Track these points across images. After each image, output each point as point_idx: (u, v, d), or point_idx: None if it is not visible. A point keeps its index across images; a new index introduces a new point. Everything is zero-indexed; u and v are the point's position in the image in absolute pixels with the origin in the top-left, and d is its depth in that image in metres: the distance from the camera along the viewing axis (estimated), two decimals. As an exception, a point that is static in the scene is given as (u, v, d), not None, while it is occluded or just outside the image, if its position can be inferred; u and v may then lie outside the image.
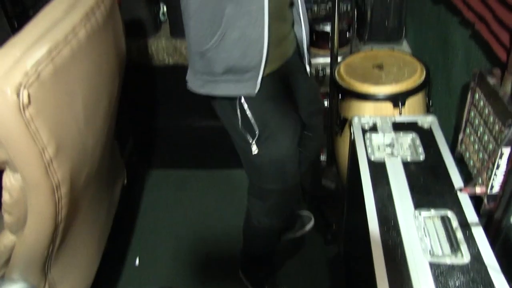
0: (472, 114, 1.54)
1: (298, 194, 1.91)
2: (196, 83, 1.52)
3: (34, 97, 1.11)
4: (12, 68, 1.09)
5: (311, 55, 1.92)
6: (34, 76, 1.11)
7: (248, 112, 1.49)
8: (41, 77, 1.14)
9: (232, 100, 1.50)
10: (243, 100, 1.48)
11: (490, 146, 1.39)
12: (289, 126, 1.61)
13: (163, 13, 2.72)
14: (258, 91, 1.47)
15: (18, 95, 1.06)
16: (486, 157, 1.43)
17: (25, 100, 1.08)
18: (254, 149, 1.55)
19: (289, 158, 1.63)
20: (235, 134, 1.60)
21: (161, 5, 2.71)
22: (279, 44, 1.56)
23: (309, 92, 1.87)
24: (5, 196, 1.30)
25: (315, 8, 2.60)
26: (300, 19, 1.64)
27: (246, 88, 1.46)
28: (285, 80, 1.69)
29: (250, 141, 1.54)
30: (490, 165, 1.30)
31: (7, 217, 1.36)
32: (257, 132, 1.52)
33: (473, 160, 1.53)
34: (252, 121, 1.50)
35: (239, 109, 1.49)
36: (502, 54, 1.40)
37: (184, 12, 1.41)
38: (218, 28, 1.37)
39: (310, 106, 1.88)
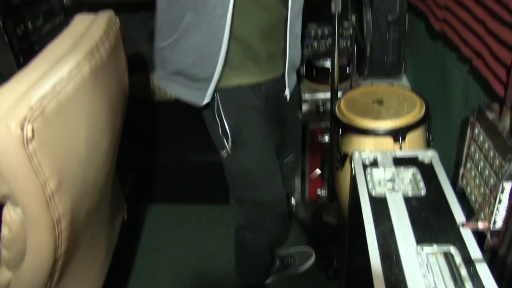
0: (472, 148, 1.54)
1: (282, 212, 1.91)
2: (156, 75, 1.58)
3: (38, 131, 1.12)
4: (17, 102, 1.10)
5: (304, 86, 1.96)
6: (38, 110, 1.13)
7: (225, 119, 1.52)
8: (45, 111, 1.15)
9: (212, 107, 1.54)
10: (221, 107, 1.52)
11: (491, 181, 1.40)
12: (262, 139, 1.64)
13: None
14: (237, 99, 1.51)
15: (22, 129, 1.07)
16: (487, 192, 1.43)
17: (29, 134, 1.09)
18: (226, 154, 1.59)
19: (260, 170, 1.66)
20: (216, 141, 1.64)
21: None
22: (258, 59, 1.58)
23: (290, 132, 1.89)
24: (4, 231, 1.29)
25: (315, 44, 2.64)
26: (288, 39, 1.65)
27: (194, 96, 1.50)
28: (272, 101, 1.71)
29: (225, 147, 1.58)
30: (492, 200, 1.30)
31: (5, 253, 1.35)
32: (230, 139, 1.55)
33: (474, 194, 1.53)
34: (228, 128, 1.53)
35: (217, 115, 1.53)
36: (500, 90, 1.41)
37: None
38: (175, 31, 1.40)
39: (287, 147, 1.91)
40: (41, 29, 2.09)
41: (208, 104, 1.56)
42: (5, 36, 1.83)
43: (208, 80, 1.46)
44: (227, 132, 1.57)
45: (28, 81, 1.19)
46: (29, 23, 2.00)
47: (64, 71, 1.28)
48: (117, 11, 1.81)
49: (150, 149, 2.80)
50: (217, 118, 1.57)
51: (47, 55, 1.36)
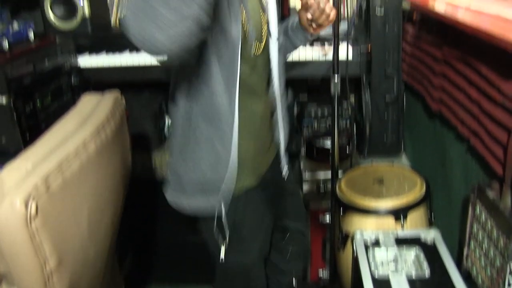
0: (475, 228, 1.54)
1: None
2: (170, 192, 1.56)
3: (42, 209, 1.13)
4: (23, 180, 1.12)
5: (304, 166, 1.95)
6: (43, 188, 1.14)
7: (223, 214, 1.49)
8: (50, 189, 1.17)
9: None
10: (224, 213, 1.49)
11: (498, 262, 1.38)
12: (261, 235, 1.62)
13: (168, 127, 2.81)
14: (243, 204, 1.51)
15: (26, 206, 1.08)
16: (494, 274, 1.40)
17: (33, 211, 1.09)
18: (222, 252, 1.54)
19: (256, 266, 1.63)
20: (208, 235, 1.58)
21: (166, 119, 2.82)
22: (264, 149, 1.61)
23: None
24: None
25: (315, 124, 2.70)
26: (279, 124, 1.66)
27: (212, 206, 1.49)
28: (267, 190, 1.70)
29: (221, 244, 1.53)
30: (500, 282, 1.28)
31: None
32: (227, 236, 1.51)
33: (481, 276, 1.50)
34: (226, 224, 1.50)
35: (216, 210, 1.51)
36: (498, 168, 1.43)
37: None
38: (189, 142, 1.43)
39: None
40: (48, 107, 2.16)
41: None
42: (14, 114, 1.89)
43: (227, 186, 1.48)
44: (224, 228, 1.53)
45: (34, 159, 1.21)
46: (38, 102, 2.07)
47: (70, 149, 1.30)
48: (122, 90, 1.87)
49: (150, 229, 2.77)
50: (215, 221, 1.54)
51: (54, 133, 1.39)
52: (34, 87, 2.06)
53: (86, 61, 2.50)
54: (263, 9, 1.47)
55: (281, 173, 1.79)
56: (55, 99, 2.22)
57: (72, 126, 1.45)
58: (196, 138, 1.41)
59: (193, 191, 1.48)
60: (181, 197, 1.52)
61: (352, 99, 2.91)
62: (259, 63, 1.49)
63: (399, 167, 2.09)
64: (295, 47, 1.71)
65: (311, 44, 2.44)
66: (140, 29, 0.98)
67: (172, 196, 1.54)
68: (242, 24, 1.33)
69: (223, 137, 1.40)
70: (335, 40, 1.79)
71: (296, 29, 1.61)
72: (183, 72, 1.37)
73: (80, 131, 1.42)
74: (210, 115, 1.38)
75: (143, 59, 2.45)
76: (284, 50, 1.68)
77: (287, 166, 1.78)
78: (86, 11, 2.54)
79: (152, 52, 1.04)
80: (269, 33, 1.49)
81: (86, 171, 1.36)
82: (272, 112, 1.63)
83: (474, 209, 1.53)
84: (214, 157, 1.42)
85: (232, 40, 1.30)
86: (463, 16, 1.72)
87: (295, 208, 1.93)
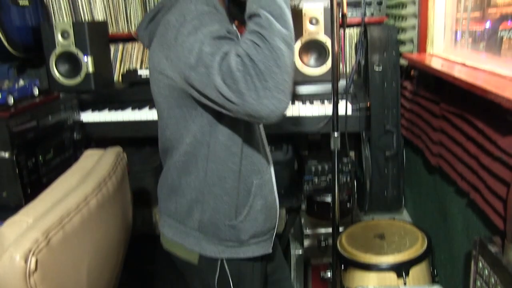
0: (478, 283, 1.52)
1: None
2: (216, 249, 1.49)
3: (41, 264, 1.12)
4: (23, 234, 1.12)
5: (305, 222, 1.93)
6: (43, 242, 1.13)
7: (227, 272, 1.47)
8: (51, 243, 1.16)
9: (214, 260, 1.47)
10: (225, 261, 1.47)
11: (502, 318, 1.35)
12: None
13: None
14: (247, 273, 1.49)
15: (26, 261, 1.07)
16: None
17: (32, 266, 1.08)
18: None
19: None
20: None
21: (168, 175, 2.82)
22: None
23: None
24: None
25: (316, 180, 2.71)
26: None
27: (264, 247, 1.47)
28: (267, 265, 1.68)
29: None
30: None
31: None
32: None
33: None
34: (229, 282, 1.47)
35: (219, 268, 1.47)
36: (499, 223, 1.43)
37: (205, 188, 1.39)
38: (247, 201, 1.41)
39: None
40: (50, 162, 2.18)
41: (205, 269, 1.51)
42: (16, 169, 1.90)
43: (275, 226, 1.48)
44: (227, 286, 1.50)
45: (35, 213, 1.22)
46: (40, 157, 2.09)
47: (71, 203, 1.31)
48: (123, 145, 1.89)
49: (149, 284, 2.73)
50: (217, 270, 1.50)
51: (56, 188, 1.40)
52: (37, 142, 2.08)
53: (89, 116, 2.54)
54: None
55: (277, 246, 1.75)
56: (57, 154, 2.24)
57: (74, 181, 1.46)
58: (252, 195, 1.42)
59: (248, 239, 1.45)
60: (232, 249, 1.47)
61: (352, 154, 2.93)
62: None
63: (400, 222, 2.08)
64: None
65: (311, 102, 2.49)
66: (258, 89, 1.01)
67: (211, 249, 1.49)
68: None
69: (271, 185, 1.44)
70: (334, 97, 1.83)
71: None
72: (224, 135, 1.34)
73: (82, 186, 1.43)
74: (259, 168, 1.40)
75: (144, 114, 2.49)
76: None
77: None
78: (90, 67, 2.60)
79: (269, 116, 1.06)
80: None
81: (87, 226, 1.36)
82: None
83: (476, 264, 1.52)
84: (267, 207, 1.44)
85: None
86: (459, 72, 1.77)
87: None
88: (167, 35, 1.19)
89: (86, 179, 1.48)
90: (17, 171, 1.90)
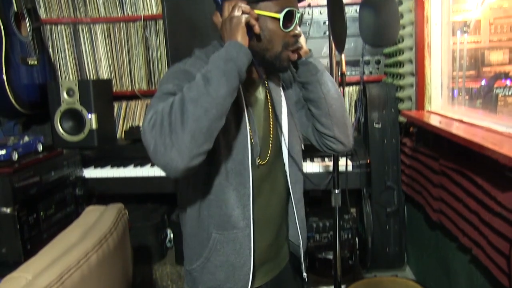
0: None
1: None
2: None
3: (40, 321, 1.10)
4: (22, 291, 1.11)
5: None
6: (42, 299, 1.12)
7: None
8: (49, 300, 1.15)
9: None
10: None
11: None
12: None
13: (170, 240, 2.80)
14: None
15: (23, 319, 1.06)
16: None
17: (31, 323, 1.07)
18: None
19: None
20: None
21: (168, 232, 2.81)
22: (270, 260, 1.57)
23: None
24: None
25: (317, 237, 2.69)
26: (296, 224, 1.58)
27: None
28: None
29: None
30: None
31: None
32: None
33: None
34: None
35: None
36: (503, 280, 1.41)
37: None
38: (204, 251, 1.41)
39: None
40: (51, 217, 2.18)
41: None
42: (17, 225, 1.90)
43: None
44: None
45: (35, 269, 1.21)
46: (41, 212, 2.09)
47: (72, 260, 1.30)
48: (124, 201, 1.89)
49: None
50: None
51: (57, 244, 1.40)
52: (39, 197, 2.10)
53: (92, 172, 2.56)
54: (276, 117, 1.50)
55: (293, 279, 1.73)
56: (59, 209, 2.25)
57: (75, 237, 1.46)
58: (209, 247, 1.41)
59: None
60: None
61: (353, 210, 2.92)
62: (273, 168, 1.51)
63: (403, 280, 2.05)
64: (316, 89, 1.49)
65: (312, 160, 2.51)
66: (158, 145, 1.07)
67: None
68: (250, 136, 1.37)
69: (238, 246, 1.40)
70: (335, 155, 1.85)
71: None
72: (189, 183, 1.40)
73: (82, 242, 1.42)
74: (222, 224, 1.38)
75: (146, 171, 2.51)
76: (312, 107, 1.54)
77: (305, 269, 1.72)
78: (94, 124, 2.65)
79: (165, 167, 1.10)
80: (282, 140, 1.51)
81: (87, 282, 1.35)
82: (286, 206, 1.61)
83: (482, 323, 1.49)
84: (230, 267, 1.40)
85: (238, 151, 1.35)
86: (457, 129, 1.80)
87: None
88: None
89: (87, 235, 1.48)
90: (17, 227, 1.90)
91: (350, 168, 2.40)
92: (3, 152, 2.06)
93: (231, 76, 1.13)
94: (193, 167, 1.10)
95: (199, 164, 1.11)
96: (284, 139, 1.47)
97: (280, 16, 1.25)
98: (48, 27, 3.07)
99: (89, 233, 1.49)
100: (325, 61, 2.50)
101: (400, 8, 2.38)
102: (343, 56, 1.93)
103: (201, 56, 1.33)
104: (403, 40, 2.40)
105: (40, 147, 2.31)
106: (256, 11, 1.24)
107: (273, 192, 1.51)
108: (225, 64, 1.13)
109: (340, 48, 1.58)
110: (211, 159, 1.28)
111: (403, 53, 2.41)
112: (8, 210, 1.91)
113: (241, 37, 1.19)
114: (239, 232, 1.40)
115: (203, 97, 1.09)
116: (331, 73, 1.83)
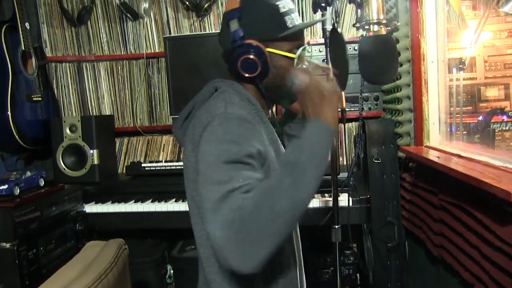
0: None
1: None
2: None
3: None
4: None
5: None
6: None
7: None
8: (48, 335, 1.14)
9: None
10: None
11: None
12: None
13: (170, 276, 2.78)
14: None
15: None
16: None
17: None
18: None
19: None
20: None
21: (168, 268, 2.79)
22: None
23: None
24: None
25: (318, 274, 2.67)
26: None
27: None
28: None
29: None
30: None
31: None
32: None
33: None
34: None
35: None
36: (506, 315, 1.40)
37: None
38: None
39: None
40: (51, 253, 2.17)
41: None
42: (16, 260, 1.89)
43: None
44: None
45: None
46: (41, 247, 2.09)
47: (71, 295, 1.30)
48: (125, 236, 1.89)
49: None
50: None
51: (56, 279, 1.39)
52: (40, 232, 2.10)
53: (93, 208, 2.57)
54: None
55: None
56: (59, 244, 2.24)
57: (75, 272, 1.45)
58: None
59: None
60: None
61: (355, 246, 2.90)
62: None
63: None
64: None
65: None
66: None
67: None
68: None
69: None
70: (335, 190, 1.85)
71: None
72: None
73: (82, 277, 1.41)
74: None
75: (147, 207, 2.51)
76: None
77: None
78: (95, 159, 2.67)
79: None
80: None
81: (86, 318, 1.34)
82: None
83: None
84: None
85: None
86: (455, 164, 1.82)
87: None
88: (195, 130, 1.21)
89: (87, 270, 1.47)
90: (17, 262, 1.89)
91: (350, 203, 2.40)
92: (5, 187, 2.08)
93: (322, 165, 1.06)
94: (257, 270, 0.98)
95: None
96: None
97: (296, 55, 1.29)
98: (53, 64, 3.13)
99: (89, 268, 1.49)
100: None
101: (397, 46, 2.43)
102: (342, 93, 1.96)
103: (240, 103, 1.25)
104: (400, 77, 2.44)
105: (42, 182, 2.33)
106: (269, 49, 1.27)
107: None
108: (322, 158, 1.06)
109: (342, 85, 1.61)
110: None
111: (401, 89, 2.45)
112: (8, 245, 1.91)
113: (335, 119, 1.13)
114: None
115: (295, 193, 1.00)
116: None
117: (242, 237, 0.95)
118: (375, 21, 1.47)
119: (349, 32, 2.93)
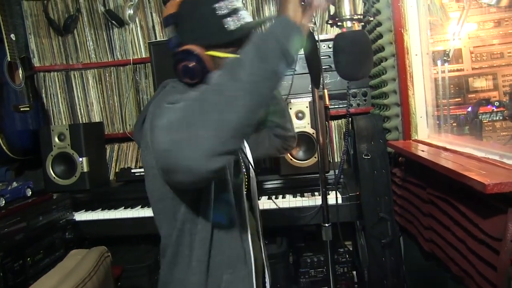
0: None
1: None
2: None
3: None
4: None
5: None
6: None
7: None
8: None
9: None
10: None
11: None
12: None
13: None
14: None
15: None
16: None
17: None
18: None
19: None
20: None
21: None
22: None
23: None
24: None
25: (312, 272, 2.65)
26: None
27: None
28: None
29: None
30: None
31: None
32: None
33: None
34: None
35: None
36: (492, 310, 1.38)
37: None
38: None
39: None
40: (40, 263, 2.17)
41: None
42: (1, 273, 1.88)
43: None
44: None
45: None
46: (28, 259, 2.07)
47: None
48: (118, 244, 1.88)
49: None
50: None
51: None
52: (26, 243, 2.08)
53: (83, 216, 2.56)
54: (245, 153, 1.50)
55: None
56: (48, 254, 2.23)
57: (54, 281, 1.44)
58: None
59: None
60: None
61: (349, 244, 2.88)
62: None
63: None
64: None
65: (302, 195, 2.50)
66: (173, 142, 0.92)
67: None
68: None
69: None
70: (323, 188, 1.81)
71: None
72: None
73: (60, 287, 1.41)
74: (227, 262, 1.32)
75: (136, 212, 2.50)
76: None
77: None
78: (85, 167, 2.66)
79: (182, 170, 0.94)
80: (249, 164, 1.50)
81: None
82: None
83: None
84: None
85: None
86: (439, 157, 1.79)
87: None
88: (147, 124, 1.18)
89: (66, 279, 1.46)
90: (1, 274, 1.88)
91: (340, 201, 2.38)
92: (-11, 199, 2.07)
93: (270, 56, 0.94)
94: (215, 170, 0.92)
95: (222, 168, 0.93)
96: (251, 173, 1.49)
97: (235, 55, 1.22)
98: (42, 74, 3.14)
99: (67, 277, 1.47)
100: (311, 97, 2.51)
101: (381, 41, 2.41)
102: (325, 90, 1.94)
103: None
104: (386, 72, 2.42)
105: (29, 192, 2.32)
106: (210, 53, 1.23)
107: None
108: (263, 42, 0.96)
109: (316, 83, 1.60)
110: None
111: (387, 84, 2.43)
112: (-8, 259, 1.90)
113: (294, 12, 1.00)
114: (246, 267, 1.35)
115: (229, 83, 0.93)
116: (314, 108, 1.84)
117: (185, 132, 0.91)
118: (347, 17, 1.45)
119: (326, 30, 2.94)
